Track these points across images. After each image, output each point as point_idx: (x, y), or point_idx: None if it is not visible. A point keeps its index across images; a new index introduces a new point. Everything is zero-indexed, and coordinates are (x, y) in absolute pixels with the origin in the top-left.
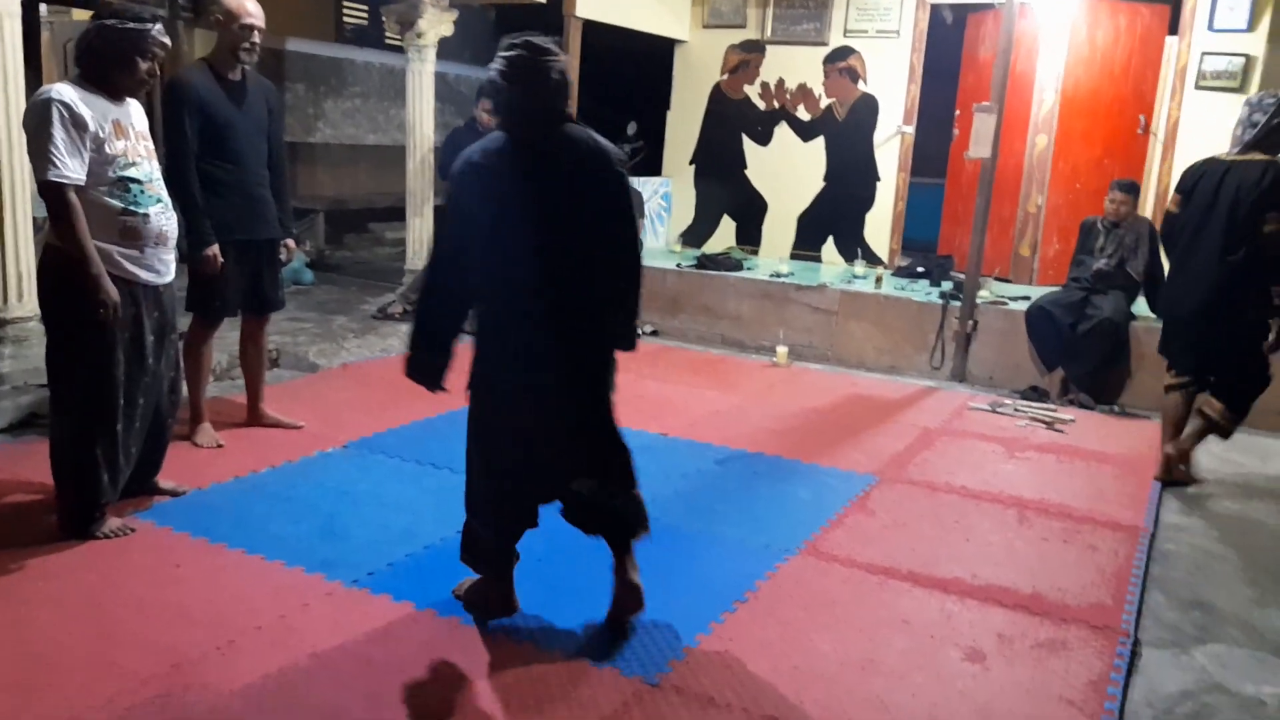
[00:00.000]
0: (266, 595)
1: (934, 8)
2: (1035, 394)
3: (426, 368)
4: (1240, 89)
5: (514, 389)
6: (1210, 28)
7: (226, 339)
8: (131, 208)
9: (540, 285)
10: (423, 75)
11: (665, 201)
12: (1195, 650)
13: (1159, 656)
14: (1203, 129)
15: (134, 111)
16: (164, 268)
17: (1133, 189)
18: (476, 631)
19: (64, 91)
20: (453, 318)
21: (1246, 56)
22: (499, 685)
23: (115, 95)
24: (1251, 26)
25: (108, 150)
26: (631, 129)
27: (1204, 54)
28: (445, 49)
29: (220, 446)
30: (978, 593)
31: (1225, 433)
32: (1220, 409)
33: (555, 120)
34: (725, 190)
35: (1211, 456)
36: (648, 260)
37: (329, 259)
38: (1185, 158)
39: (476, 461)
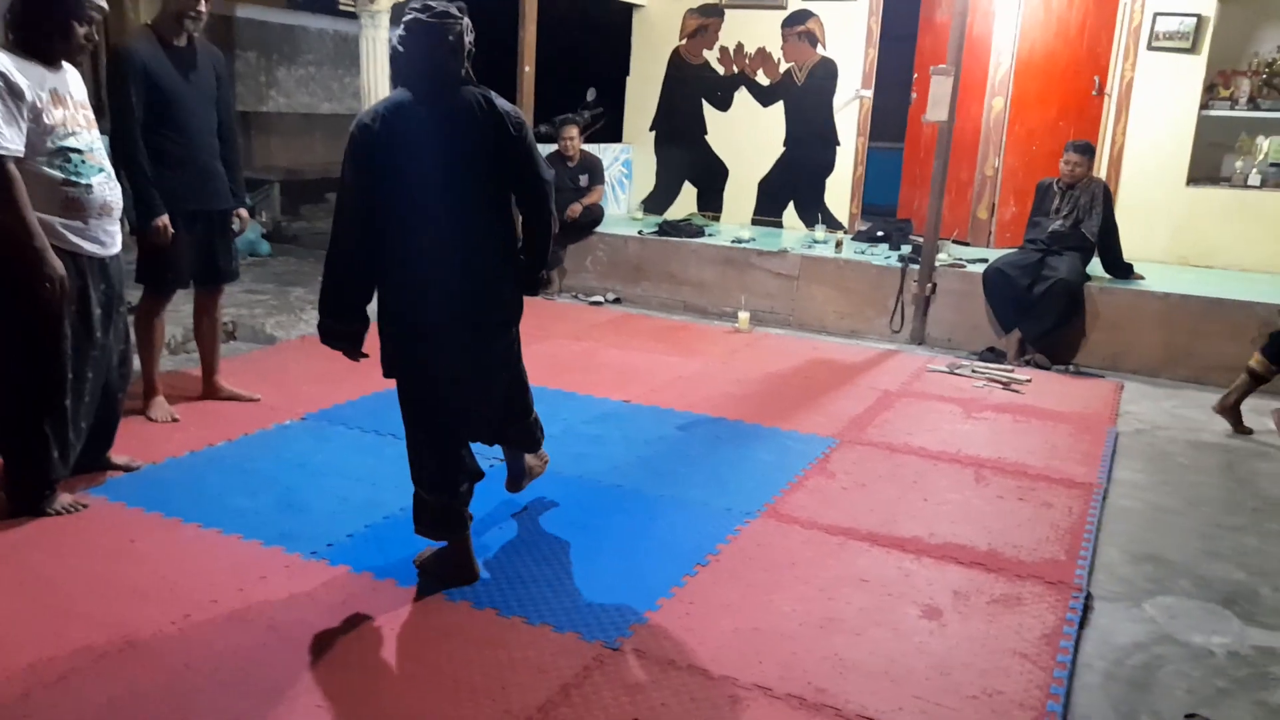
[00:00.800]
0: (224, 569)
1: None
2: (992, 355)
3: (344, 334)
4: (1192, 49)
5: (430, 333)
6: None
7: (181, 312)
8: (73, 178)
9: (445, 238)
10: (377, 42)
11: (626, 169)
12: (1146, 603)
13: (1111, 609)
14: (1156, 90)
15: (72, 80)
16: (109, 239)
17: (1087, 150)
18: (437, 600)
19: None
20: (364, 280)
21: (1198, 17)
22: (460, 652)
23: (52, 62)
24: None
25: (46, 120)
26: (591, 95)
27: (1156, 15)
28: (399, 15)
29: (175, 421)
30: (935, 551)
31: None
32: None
33: (451, 82)
34: (686, 156)
35: (1163, 412)
36: (609, 227)
37: (286, 230)
38: (1139, 118)
39: (408, 418)
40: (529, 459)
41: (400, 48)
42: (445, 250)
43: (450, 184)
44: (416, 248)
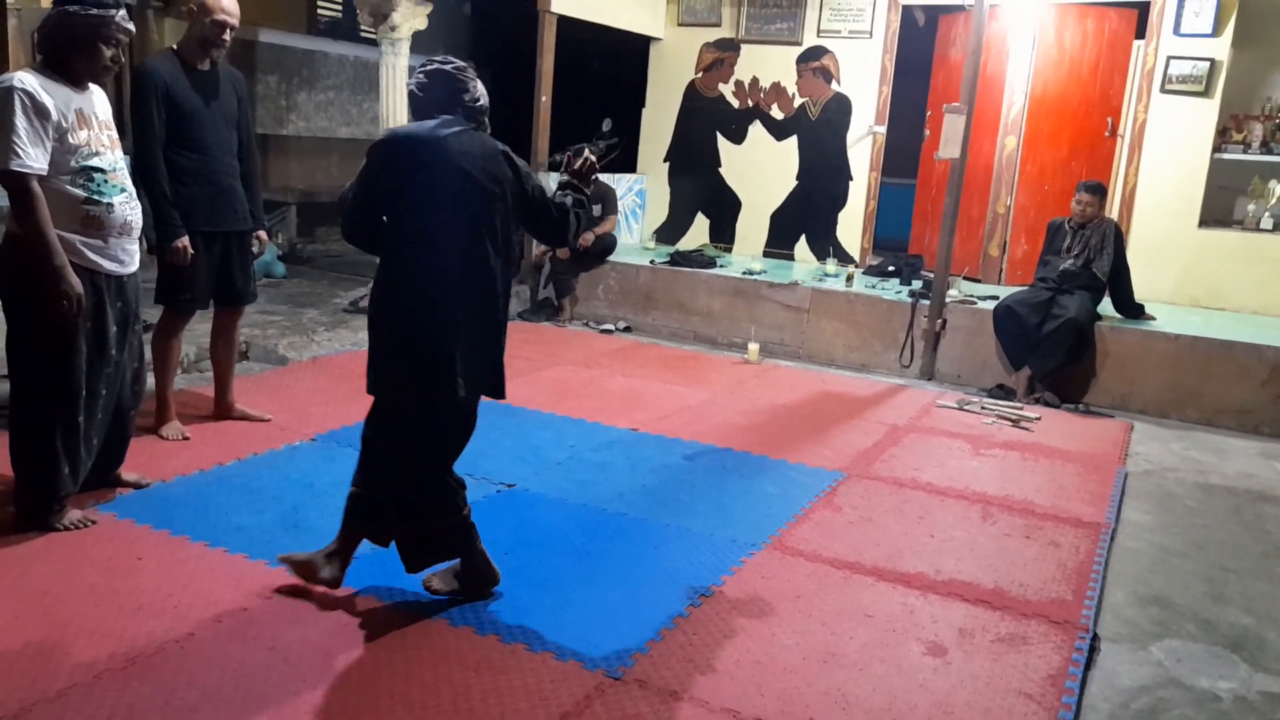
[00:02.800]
0: (228, 587)
1: (906, 9)
2: (1002, 392)
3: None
4: (1205, 93)
5: (445, 355)
6: (1176, 32)
7: (195, 331)
8: (95, 197)
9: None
10: (396, 68)
11: (639, 198)
12: (1153, 645)
13: (1117, 651)
14: (1168, 132)
15: (97, 100)
16: (128, 258)
17: (1099, 190)
18: (439, 624)
19: (26, 80)
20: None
21: (1211, 61)
22: (460, 677)
23: (78, 83)
24: (1216, 31)
25: (70, 140)
26: (606, 125)
27: (1170, 58)
28: (419, 42)
29: (186, 439)
30: (940, 587)
31: None
32: None
33: (470, 122)
34: (699, 188)
35: (1171, 454)
36: (622, 256)
37: (301, 252)
38: (1151, 160)
39: (416, 446)
40: None
41: (420, 92)
42: (455, 274)
43: (453, 206)
44: (433, 270)
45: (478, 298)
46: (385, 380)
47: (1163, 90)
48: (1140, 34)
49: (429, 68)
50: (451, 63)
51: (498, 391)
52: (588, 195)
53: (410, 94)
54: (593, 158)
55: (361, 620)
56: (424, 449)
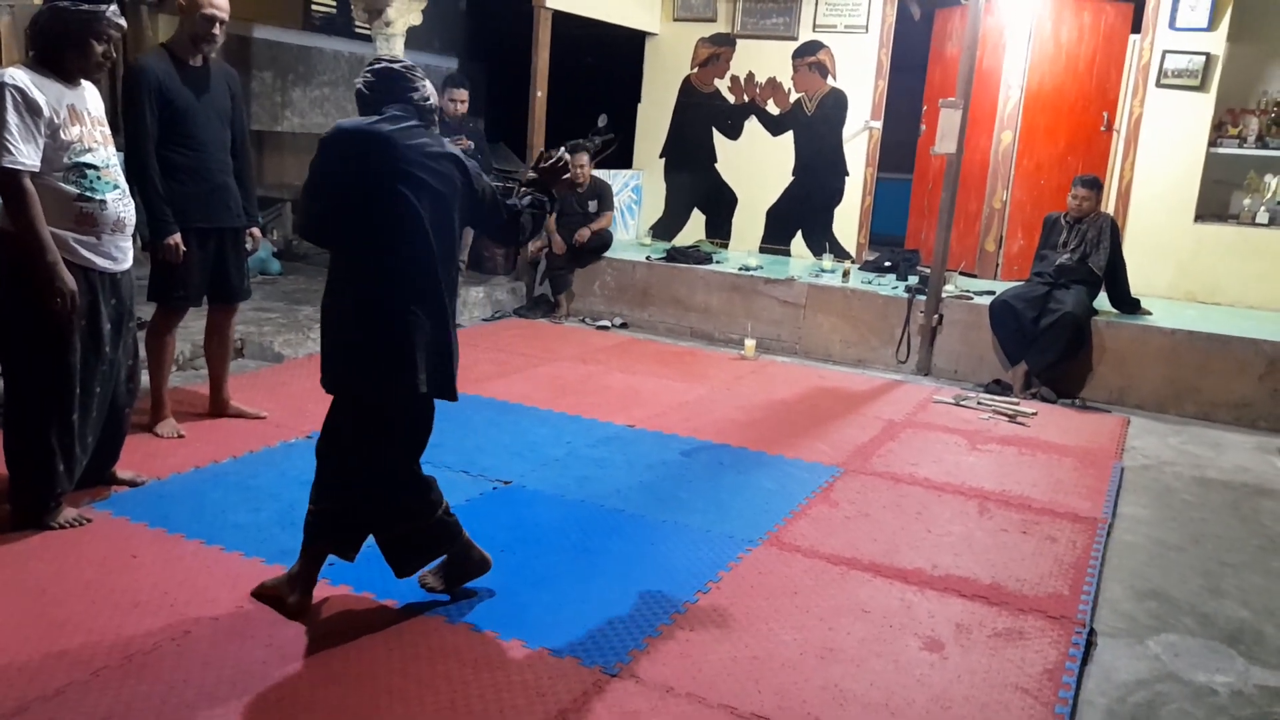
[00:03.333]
0: (224, 585)
1: (902, 3)
2: (998, 387)
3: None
4: (1201, 87)
5: (416, 345)
6: (1172, 26)
7: (191, 328)
8: (88, 194)
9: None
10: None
11: (635, 194)
12: (1150, 640)
13: (1114, 646)
14: (1165, 126)
15: (90, 96)
16: (121, 255)
17: (1095, 185)
18: (437, 621)
19: (17, 76)
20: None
21: (1207, 55)
22: (458, 674)
23: (70, 79)
24: (1212, 25)
25: (63, 136)
26: (602, 121)
27: (1166, 52)
28: (414, 38)
29: (181, 437)
30: (937, 583)
31: None
32: None
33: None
34: (695, 183)
35: (1168, 448)
36: (618, 252)
37: (296, 249)
38: (1147, 154)
39: (395, 444)
40: None
41: (368, 90)
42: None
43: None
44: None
45: (429, 295)
46: (343, 377)
47: (1159, 85)
48: (1136, 28)
49: (376, 67)
50: (400, 62)
51: (448, 392)
52: (552, 196)
53: (358, 93)
54: (568, 157)
55: (359, 618)
56: (387, 449)
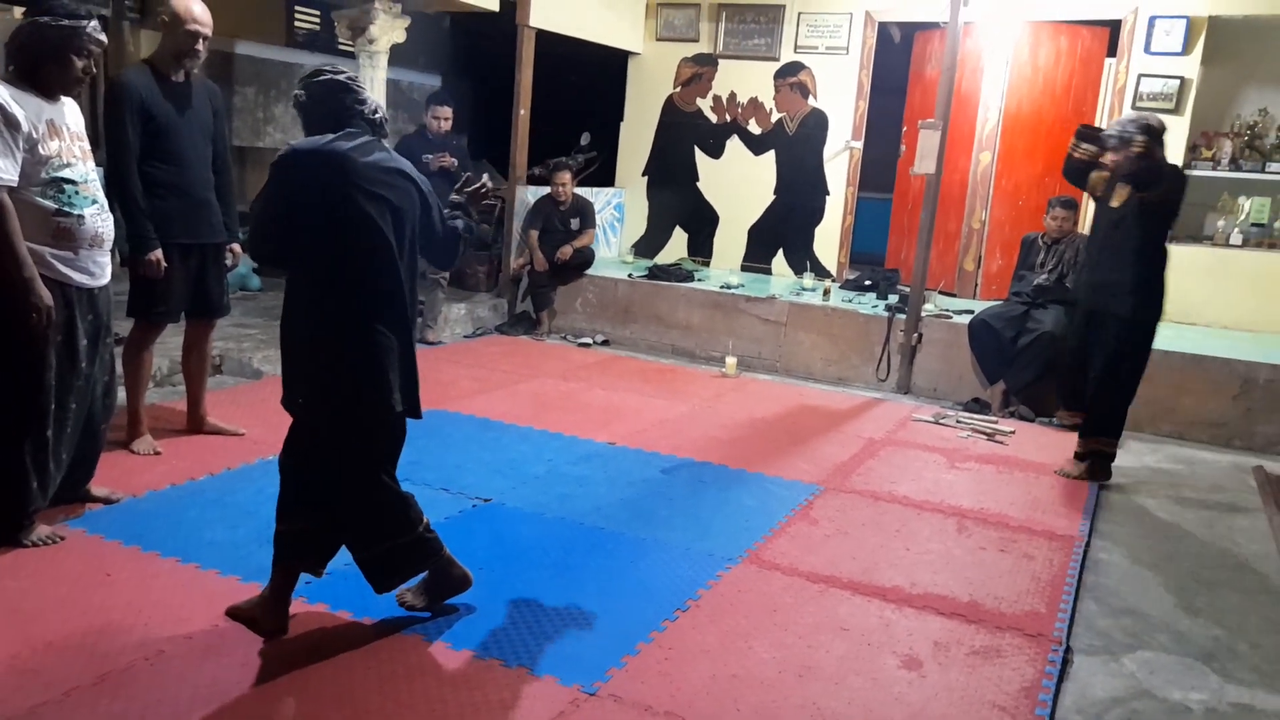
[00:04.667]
0: (199, 604)
1: (882, 26)
2: (977, 406)
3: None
4: (1175, 110)
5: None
6: (1147, 50)
7: (168, 344)
8: (66, 209)
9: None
10: (374, 81)
11: (618, 212)
12: (1125, 657)
13: (1090, 663)
14: None
15: (69, 111)
16: (99, 270)
17: (1072, 205)
18: (415, 639)
19: None
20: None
21: (1181, 79)
22: (436, 692)
23: (49, 94)
24: (1186, 50)
25: (41, 151)
26: (585, 139)
27: (1141, 75)
28: (398, 55)
29: (158, 454)
30: (916, 600)
31: None
32: None
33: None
34: (677, 202)
35: (1144, 467)
36: (600, 270)
37: None
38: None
39: (364, 457)
40: None
41: (312, 103)
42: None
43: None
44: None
45: (397, 313)
46: (314, 398)
47: (1134, 107)
48: (1112, 52)
49: (320, 79)
50: (343, 71)
51: (415, 410)
52: (476, 222)
53: (300, 105)
54: (489, 184)
55: (336, 636)
56: (361, 469)
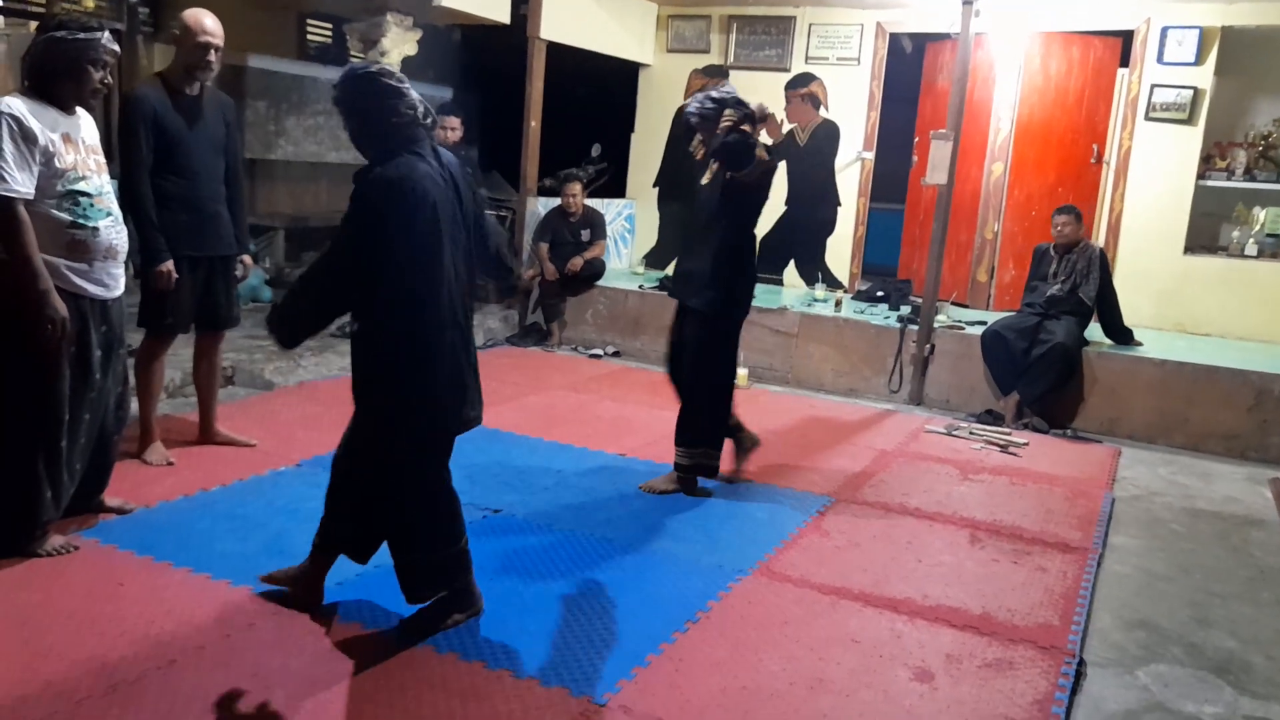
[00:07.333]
0: (211, 614)
1: (893, 36)
2: (990, 417)
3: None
4: (1189, 120)
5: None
6: (1160, 61)
7: (181, 355)
8: (80, 221)
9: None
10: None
11: (629, 223)
12: (1139, 670)
13: (1103, 676)
14: (1154, 159)
15: (84, 124)
16: (113, 282)
17: (1072, 210)
18: (425, 651)
19: (13, 104)
20: (338, 305)
21: (1194, 89)
22: (445, 705)
23: (66, 107)
24: (1199, 60)
25: (57, 164)
26: (596, 151)
27: (1154, 86)
28: (409, 68)
29: (170, 464)
30: (927, 613)
31: None
32: None
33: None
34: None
35: (1159, 479)
36: (610, 281)
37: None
38: (1137, 187)
39: (421, 468)
40: None
41: (350, 102)
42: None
43: (457, 236)
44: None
45: (464, 323)
46: (385, 411)
47: (1147, 118)
48: (1124, 62)
49: (360, 72)
50: (379, 68)
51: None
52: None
53: (349, 108)
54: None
55: (346, 647)
56: (427, 478)
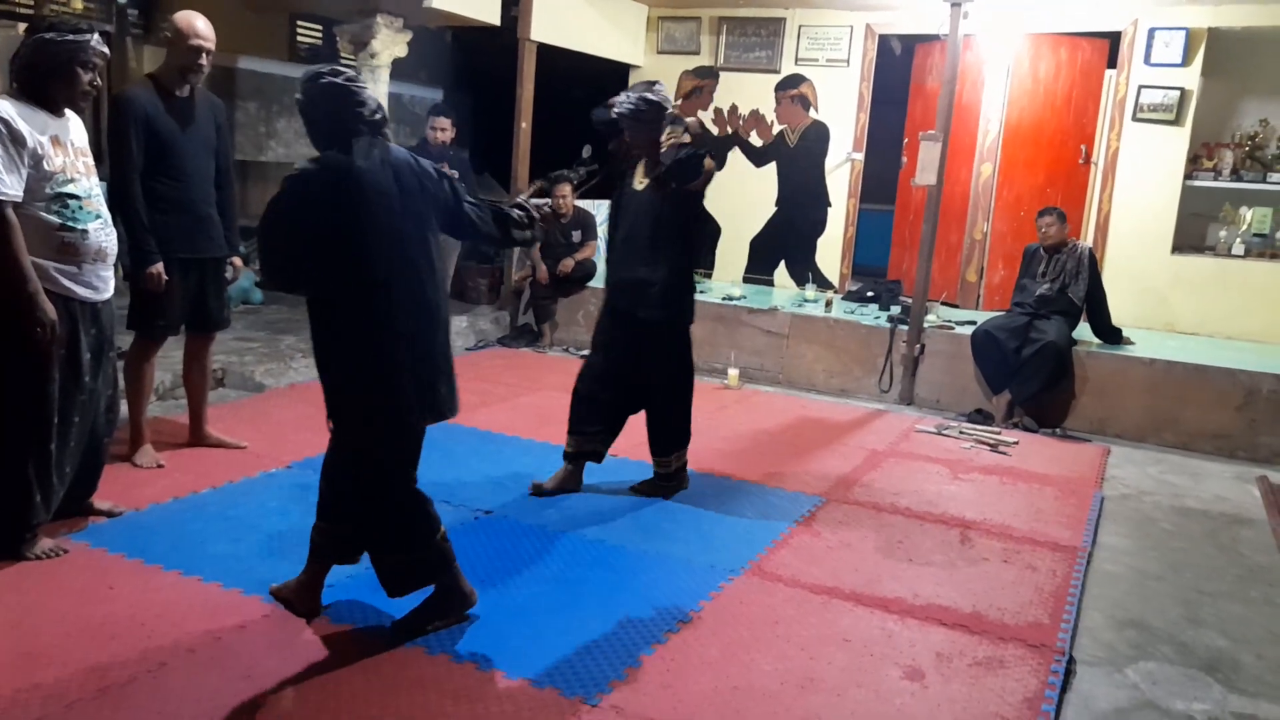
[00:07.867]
0: (201, 616)
1: (882, 38)
2: (981, 417)
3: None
4: (1176, 121)
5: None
6: (1147, 62)
7: (171, 358)
8: (70, 224)
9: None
10: (376, 95)
11: None
12: (1129, 668)
13: (1093, 674)
14: (1141, 159)
15: (73, 127)
16: (102, 284)
17: (1055, 211)
18: (416, 652)
19: (2, 107)
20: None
21: (1181, 90)
22: (438, 705)
23: (54, 109)
24: (1186, 61)
25: (46, 166)
26: (586, 152)
27: (1141, 87)
28: (399, 70)
29: (161, 467)
30: (918, 612)
31: None
32: None
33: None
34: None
35: (1148, 478)
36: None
37: None
38: (1125, 187)
39: (387, 473)
40: None
41: (312, 110)
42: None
43: (408, 234)
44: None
45: (415, 322)
46: (334, 414)
47: (1135, 119)
48: (1112, 64)
49: (321, 82)
50: (343, 72)
51: (450, 410)
52: (528, 230)
53: (302, 108)
54: (552, 208)
55: (338, 648)
56: (383, 480)
